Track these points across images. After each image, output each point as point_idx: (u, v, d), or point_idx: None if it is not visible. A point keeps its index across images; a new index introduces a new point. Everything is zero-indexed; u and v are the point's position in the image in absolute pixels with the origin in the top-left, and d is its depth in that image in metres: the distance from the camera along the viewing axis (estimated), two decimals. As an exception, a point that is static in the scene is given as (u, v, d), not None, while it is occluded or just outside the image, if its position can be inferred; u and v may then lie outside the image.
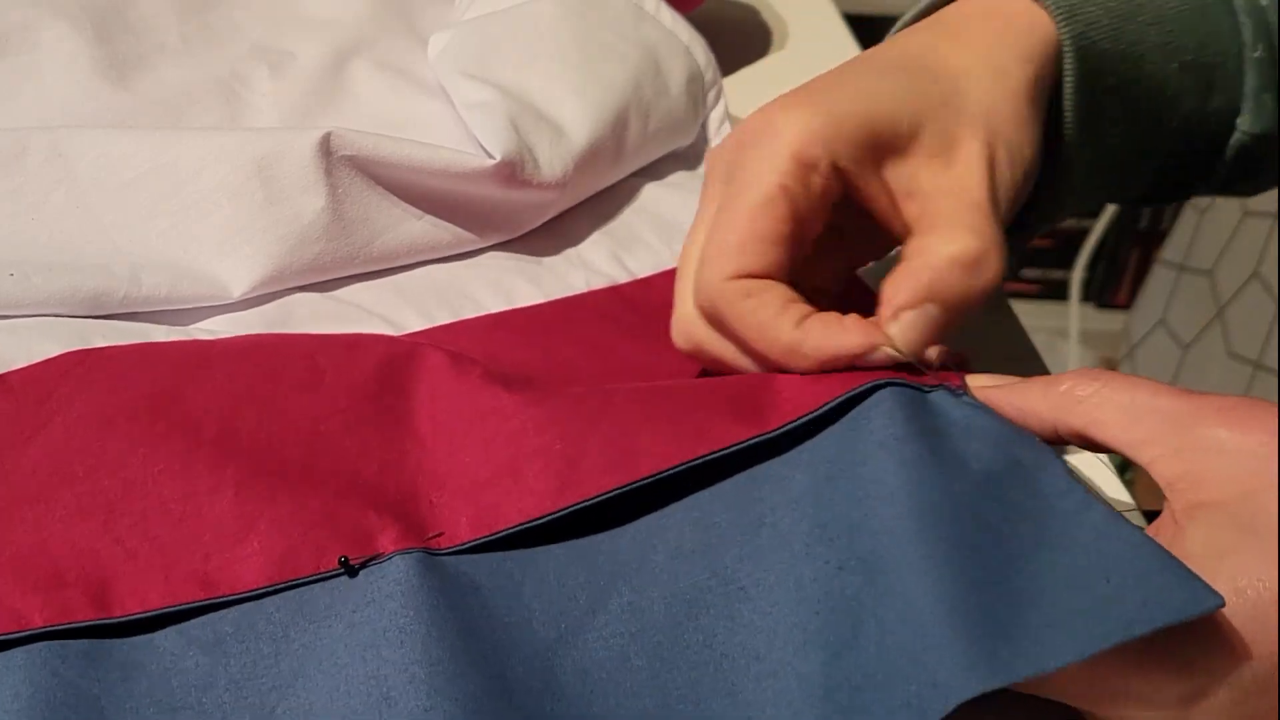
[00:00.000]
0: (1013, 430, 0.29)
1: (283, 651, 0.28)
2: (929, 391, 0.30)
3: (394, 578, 0.28)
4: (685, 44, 0.50)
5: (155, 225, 0.39)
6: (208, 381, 0.33)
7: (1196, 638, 0.25)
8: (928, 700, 0.23)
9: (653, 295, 0.42)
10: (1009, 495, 0.27)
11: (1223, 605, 0.24)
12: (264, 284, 0.38)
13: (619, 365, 0.38)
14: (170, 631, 0.28)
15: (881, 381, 0.30)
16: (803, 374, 0.31)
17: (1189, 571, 0.24)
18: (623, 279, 0.43)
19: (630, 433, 0.30)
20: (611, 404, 0.31)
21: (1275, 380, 0.88)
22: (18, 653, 0.27)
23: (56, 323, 0.36)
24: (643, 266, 0.44)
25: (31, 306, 0.36)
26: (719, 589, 0.28)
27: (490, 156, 0.41)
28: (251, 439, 0.31)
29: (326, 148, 0.39)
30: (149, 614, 0.28)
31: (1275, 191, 0.46)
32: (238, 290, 0.38)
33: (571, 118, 0.44)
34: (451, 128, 0.45)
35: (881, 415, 0.29)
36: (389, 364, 0.34)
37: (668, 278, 0.42)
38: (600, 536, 0.30)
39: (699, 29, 0.52)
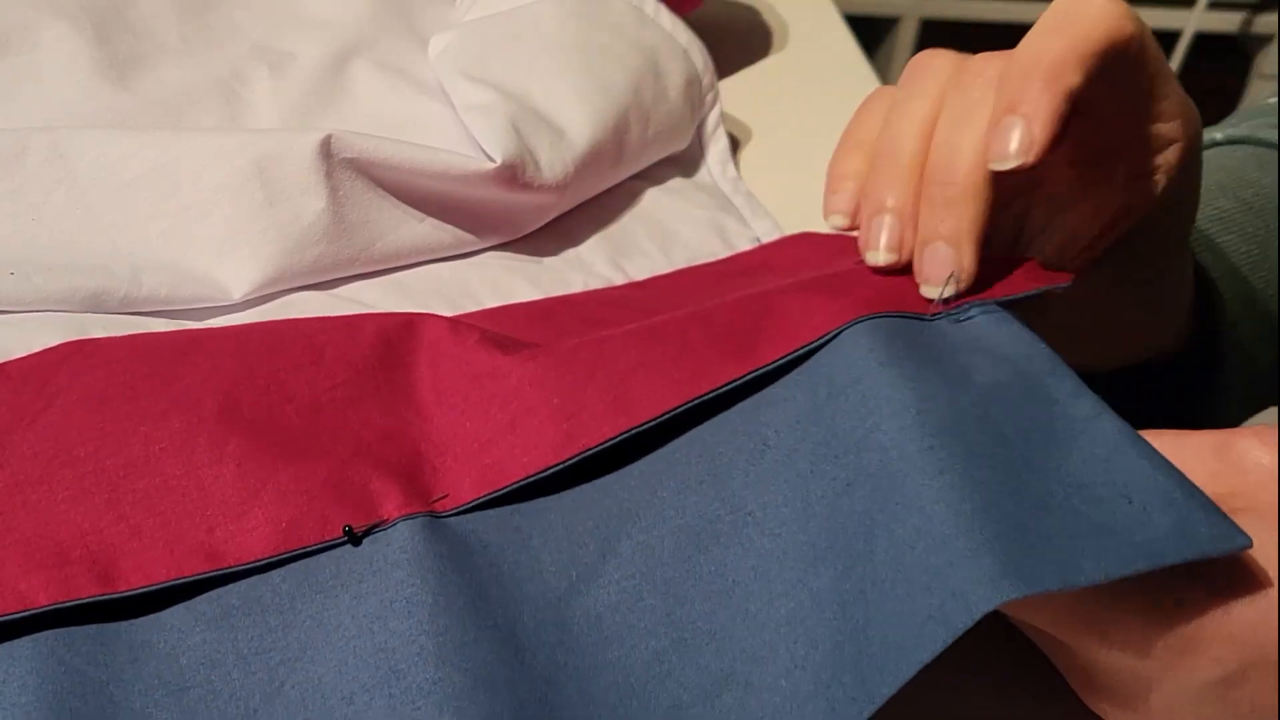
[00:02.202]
0: (1016, 338, 0.29)
1: (290, 624, 0.28)
2: (931, 320, 0.30)
3: (399, 545, 0.28)
4: (684, 47, 0.50)
5: (155, 226, 0.39)
6: (206, 361, 0.33)
7: (1203, 584, 0.24)
8: (952, 612, 0.22)
9: (651, 293, 0.42)
10: (1018, 404, 0.27)
11: (1250, 546, 0.23)
12: (264, 286, 0.38)
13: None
14: (178, 608, 0.28)
15: (879, 314, 0.30)
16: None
17: (1215, 505, 0.24)
18: (620, 283, 0.43)
19: (627, 379, 0.30)
20: (606, 352, 0.31)
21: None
22: (24, 642, 0.27)
23: (56, 316, 0.36)
24: (640, 273, 0.44)
25: (31, 305, 0.36)
26: (727, 517, 0.28)
27: (490, 159, 0.41)
28: (252, 413, 0.31)
29: (327, 150, 0.39)
30: (155, 587, 0.28)
31: None
32: (238, 292, 0.38)
33: (572, 120, 0.44)
34: (452, 129, 0.45)
35: (880, 337, 0.29)
36: (387, 337, 0.34)
37: (666, 279, 0.42)
38: (606, 480, 0.30)
39: (698, 30, 0.52)
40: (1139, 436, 0.26)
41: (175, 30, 0.48)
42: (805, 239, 0.43)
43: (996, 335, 0.29)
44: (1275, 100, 0.50)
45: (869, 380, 0.27)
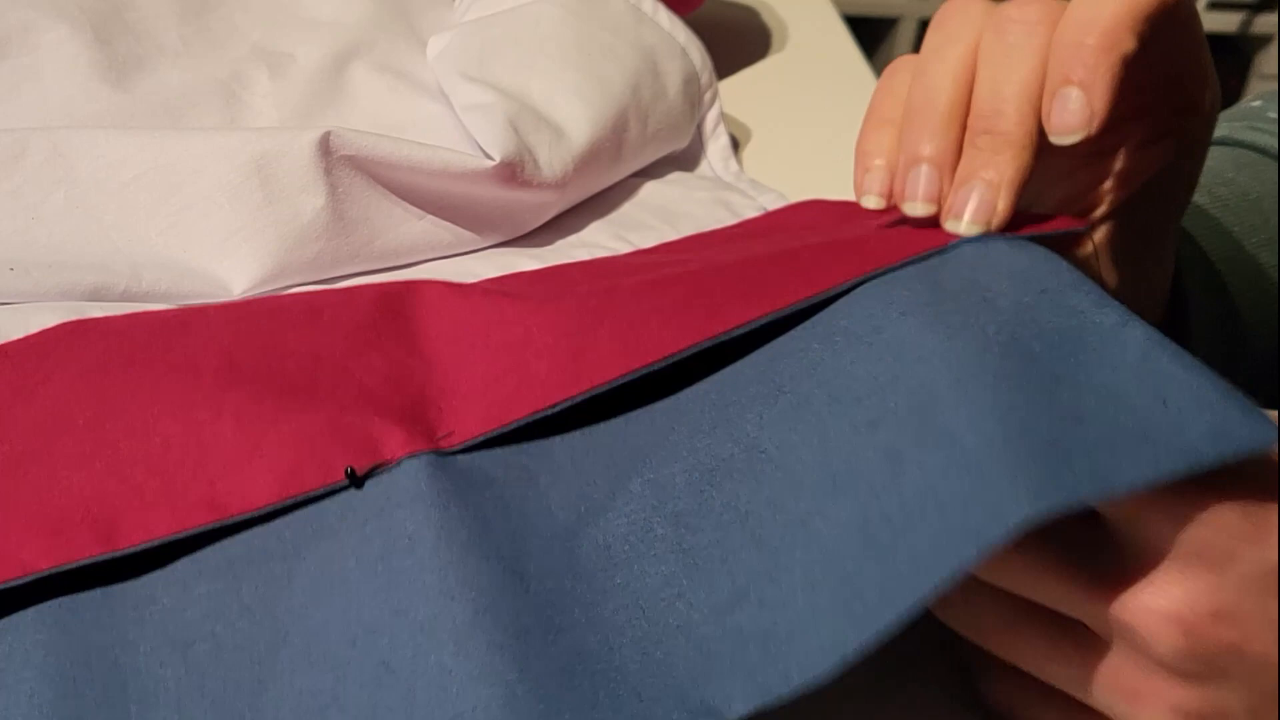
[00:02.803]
0: (1036, 259, 0.28)
1: (295, 571, 0.27)
2: (949, 250, 0.29)
3: (403, 485, 0.28)
4: (682, 45, 0.50)
5: (155, 225, 0.39)
6: (204, 327, 0.33)
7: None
8: (988, 527, 0.21)
9: (660, 255, 0.41)
10: (1044, 320, 0.26)
11: None
12: (264, 282, 0.38)
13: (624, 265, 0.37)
14: (182, 562, 0.28)
15: (897, 264, 0.29)
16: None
17: (1251, 404, 0.23)
18: (626, 251, 0.43)
19: (638, 323, 0.29)
20: (616, 298, 0.31)
21: None
22: (28, 613, 0.26)
23: (56, 303, 0.36)
24: (647, 242, 0.43)
25: (31, 300, 0.36)
26: (740, 455, 0.27)
27: (489, 157, 0.41)
28: (251, 370, 0.31)
29: (326, 147, 0.39)
30: (157, 542, 0.27)
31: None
32: (238, 288, 0.38)
33: (571, 118, 0.44)
34: (451, 130, 0.45)
35: (898, 289, 0.28)
36: (386, 297, 0.34)
37: (674, 244, 0.42)
38: (615, 422, 0.30)
39: (698, 31, 0.52)
40: (1168, 340, 0.25)
41: (175, 32, 0.48)
42: (814, 204, 0.43)
43: (1018, 258, 0.28)
44: (1258, 103, 0.50)
45: (891, 329, 0.27)
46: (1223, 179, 0.45)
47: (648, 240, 0.43)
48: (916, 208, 0.31)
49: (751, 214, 0.45)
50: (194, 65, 0.47)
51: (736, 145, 0.55)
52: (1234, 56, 1.67)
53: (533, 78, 0.45)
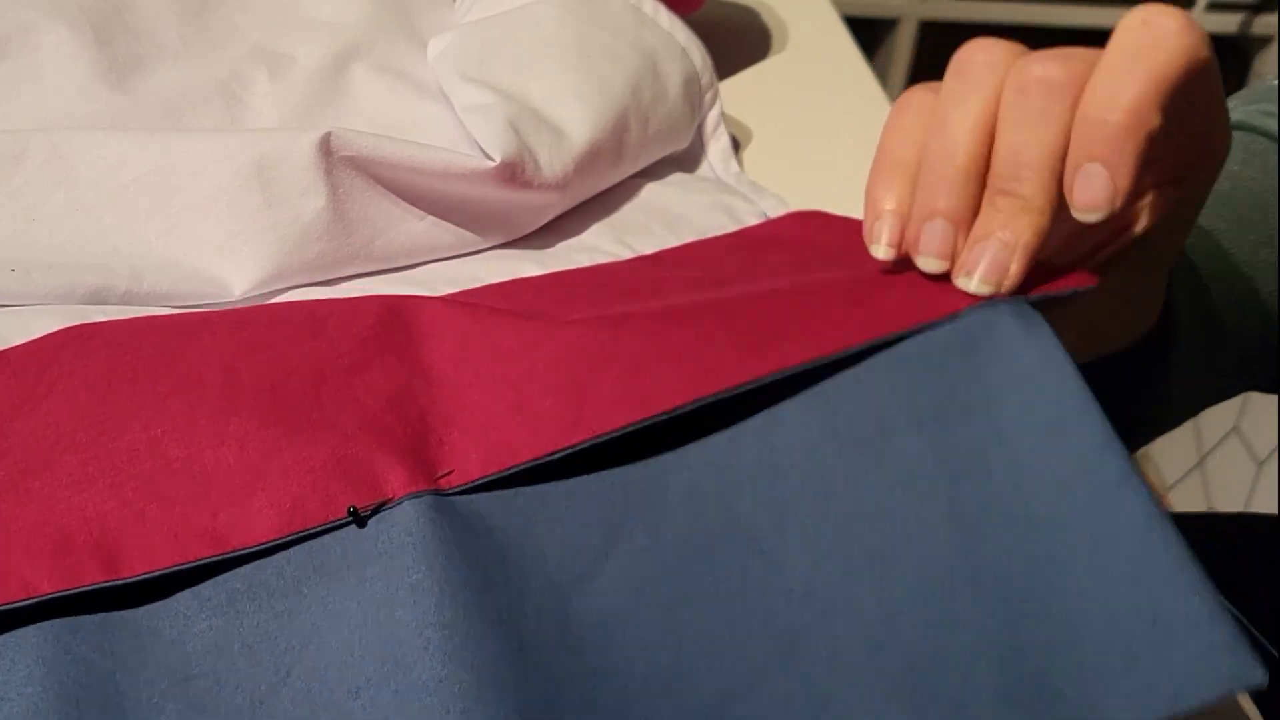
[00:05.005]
0: (1046, 359, 0.28)
1: (295, 609, 0.27)
2: (960, 316, 0.29)
3: (405, 527, 0.28)
4: (682, 46, 0.50)
5: (155, 227, 0.39)
6: (208, 338, 0.33)
7: None
8: None
9: (662, 265, 0.41)
10: (1046, 470, 0.26)
11: (1264, 686, 0.23)
12: (264, 283, 0.38)
13: (629, 285, 0.37)
14: (184, 594, 0.28)
15: (905, 331, 0.29)
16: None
17: (1237, 633, 0.23)
18: (628, 256, 0.43)
19: (642, 369, 0.30)
20: (622, 338, 0.31)
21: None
22: (30, 631, 0.26)
23: (57, 307, 0.36)
24: (648, 248, 0.43)
25: (32, 301, 0.36)
26: (731, 537, 0.28)
27: (490, 159, 0.41)
28: (255, 388, 0.31)
29: (326, 147, 0.39)
30: (159, 573, 0.27)
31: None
32: (239, 289, 0.38)
33: (571, 119, 0.44)
34: (451, 130, 0.45)
35: (904, 376, 0.28)
36: (391, 310, 0.34)
37: (675, 252, 0.42)
38: (612, 472, 0.30)
39: (698, 31, 0.52)
40: (1164, 517, 0.25)
41: (175, 32, 0.48)
42: (816, 217, 0.43)
43: (1026, 353, 0.28)
44: (1276, 82, 0.49)
45: (896, 437, 0.27)
46: (1226, 172, 0.45)
47: (648, 246, 0.43)
48: (929, 263, 0.30)
49: (752, 220, 0.45)
50: (194, 66, 0.47)
51: (736, 147, 0.55)
52: (1234, 57, 1.67)
53: (533, 79, 0.45)
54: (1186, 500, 1.31)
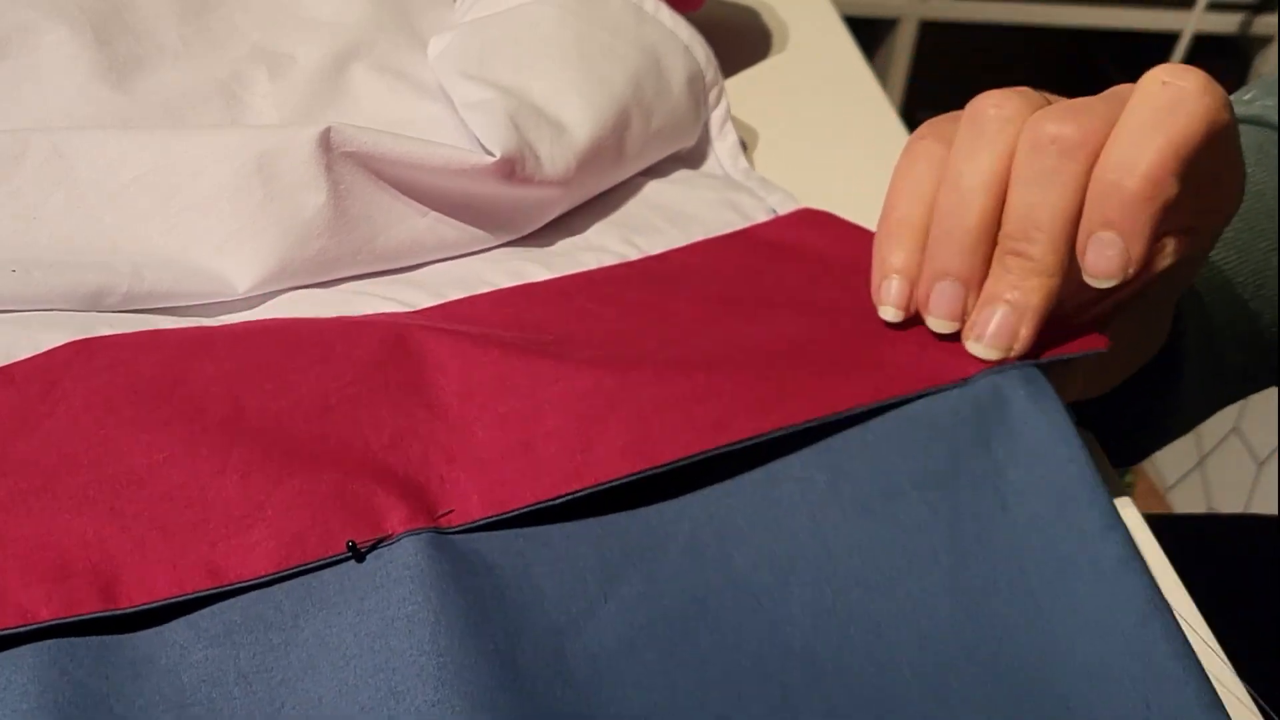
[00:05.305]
0: (1053, 435, 0.28)
1: (292, 641, 0.27)
2: (968, 382, 0.30)
3: (403, 562, 0.28)
4: (685, 43, 0.50)
5: (156, 225, 0.39)
6: (212, 361, 0.33)
7: None
8: None
9: (669, 267, 0.41)
10: (1050, 547, 0.27)
11: None
12: (268, 279, 0.38)
13: (638, 310, 0.38)
14: (180, 623, 0.28)
15: (919, 393, 0.29)
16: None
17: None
18: (635, 258, 0.43)
19: (648, 418, 0.30)
20: (629, 385, 0.31)
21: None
22: (26, 650, 0.26)
23: (62, 315, 0.35)
24: (655, 247, 0.43)
25: (33, 303, 0.36)
26: (729, 591, 0.28)
27: (490, 154, 0.41)
28: (259, 417, 0.31)
29: (327, 143, 0.39)
30: (157, 604, 0.27)
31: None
32: (242, 287, 0.38)
33: (572, 116, 0.44)
34: (452, 130, 0.45)
35: (910, 443, 0.29)
36: (397, 336, 0.34)
37: (683, 254, 0.42)
38: (614, 517, 0.30)
39: (698, 31, 0.52)
40: (1163, 602, 0.25)
41: (175, 32, 0.48)
42: (824, 222, 0.43)
43: (1034, 429, 0.28)
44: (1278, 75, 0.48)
45: (901, 502, 0.28)
46: None
47: (655, 244, 0.43)
48: (940, 325, 0.30)
49: (760, 216, 0.45)
50: (194, 66, 0.47)
51: (744, 146, 0.55)
52: (1234, 57, 1.67)
53: (533, 77, 0.45)
54: (1186, 500, 1.31)
